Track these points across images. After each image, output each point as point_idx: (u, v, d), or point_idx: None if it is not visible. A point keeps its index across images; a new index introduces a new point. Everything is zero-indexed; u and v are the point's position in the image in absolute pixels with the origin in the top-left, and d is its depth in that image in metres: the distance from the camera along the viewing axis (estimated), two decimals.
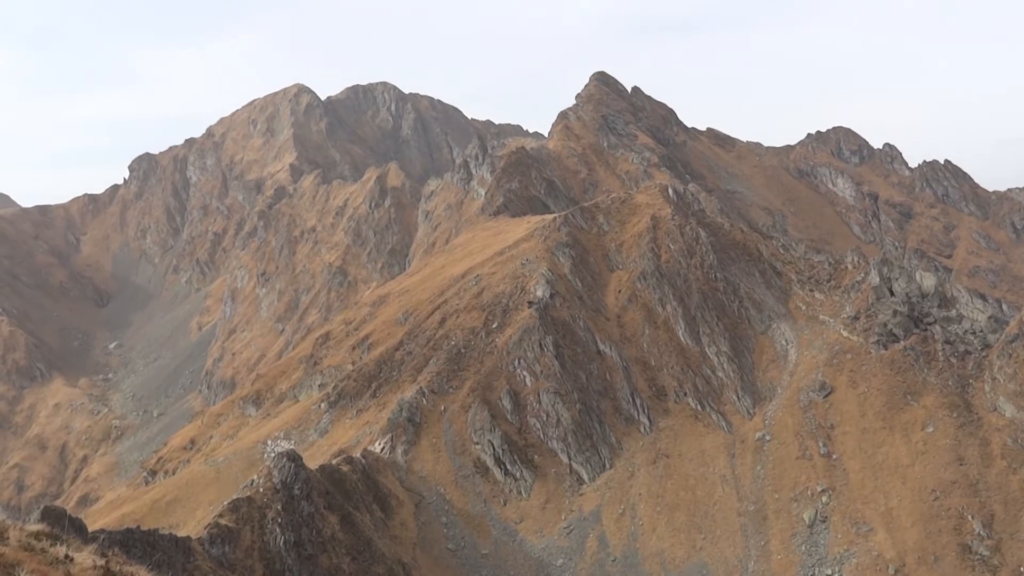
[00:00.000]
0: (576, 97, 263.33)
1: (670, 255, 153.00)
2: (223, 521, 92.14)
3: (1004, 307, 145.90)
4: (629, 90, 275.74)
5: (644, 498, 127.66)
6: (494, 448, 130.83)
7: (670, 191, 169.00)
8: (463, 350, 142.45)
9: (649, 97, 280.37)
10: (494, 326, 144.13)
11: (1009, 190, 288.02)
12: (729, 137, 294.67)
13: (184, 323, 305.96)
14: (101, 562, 32.55)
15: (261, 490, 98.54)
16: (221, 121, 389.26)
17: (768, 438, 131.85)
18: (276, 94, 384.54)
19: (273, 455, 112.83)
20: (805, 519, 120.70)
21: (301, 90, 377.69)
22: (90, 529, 74.27)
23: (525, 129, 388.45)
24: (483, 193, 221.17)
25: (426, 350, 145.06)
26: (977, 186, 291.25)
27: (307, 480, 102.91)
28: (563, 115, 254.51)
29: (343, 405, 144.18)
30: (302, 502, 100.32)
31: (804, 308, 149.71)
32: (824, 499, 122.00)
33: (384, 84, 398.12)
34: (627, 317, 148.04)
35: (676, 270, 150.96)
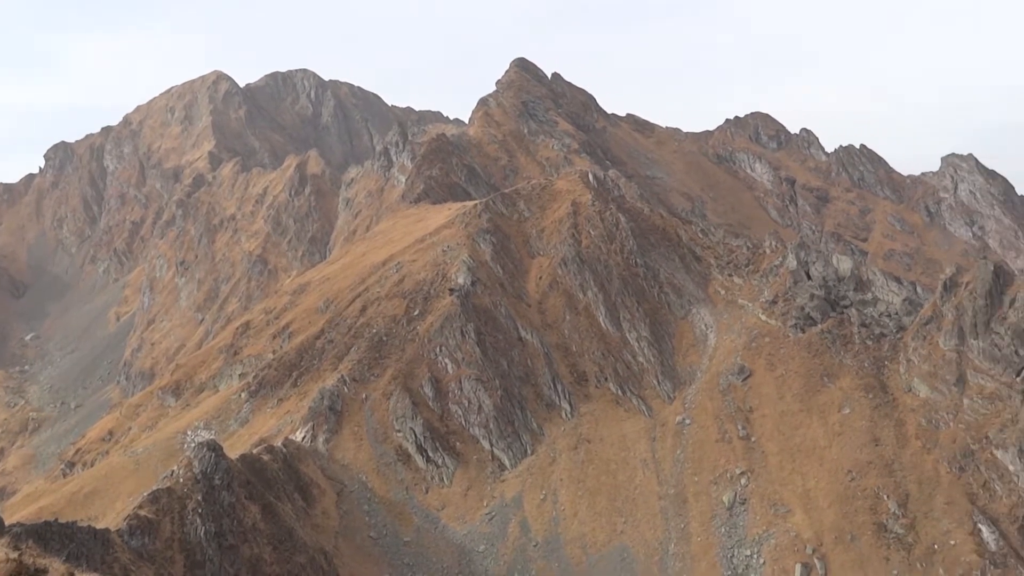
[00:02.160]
0: (496, 84, 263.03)
1: (591, 241, 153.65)
2: (142, 512, 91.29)
3: (918, 290, 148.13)
4: (549, 76, 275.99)
5: (566, 483, 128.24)
6: (416, 435, 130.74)
7: (590, 177, 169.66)
8: (384, 338, 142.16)
9: (569, 83, 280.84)
10: (415, 313, 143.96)
11: (923, 174, 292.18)
12: (648, 123, 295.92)
13: (102, 313, 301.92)
14: (14, 555, 32.27)
15: (181, 480, 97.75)
16: (138, 109, 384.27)
17: (688, 422, 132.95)
18: (194, 82, 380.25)
19: (193, 445, 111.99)
20: (724, 501, 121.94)
21: (219, 77, 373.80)
22: (6, 522, 73.30)
23: (446, 116, 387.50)
24: (404, 180, 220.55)
25: (347, 338, 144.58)
26: (892, 170, 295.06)
27: (228, 470, 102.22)
28: (483, 102, 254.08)
29: (264, 394, 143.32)
30: (223, 492, 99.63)
31: (723, 293, 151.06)
32: (743, 481, 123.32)
33: (304, 71, 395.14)
34: (548, 303, 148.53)
35: (597, 256, 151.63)
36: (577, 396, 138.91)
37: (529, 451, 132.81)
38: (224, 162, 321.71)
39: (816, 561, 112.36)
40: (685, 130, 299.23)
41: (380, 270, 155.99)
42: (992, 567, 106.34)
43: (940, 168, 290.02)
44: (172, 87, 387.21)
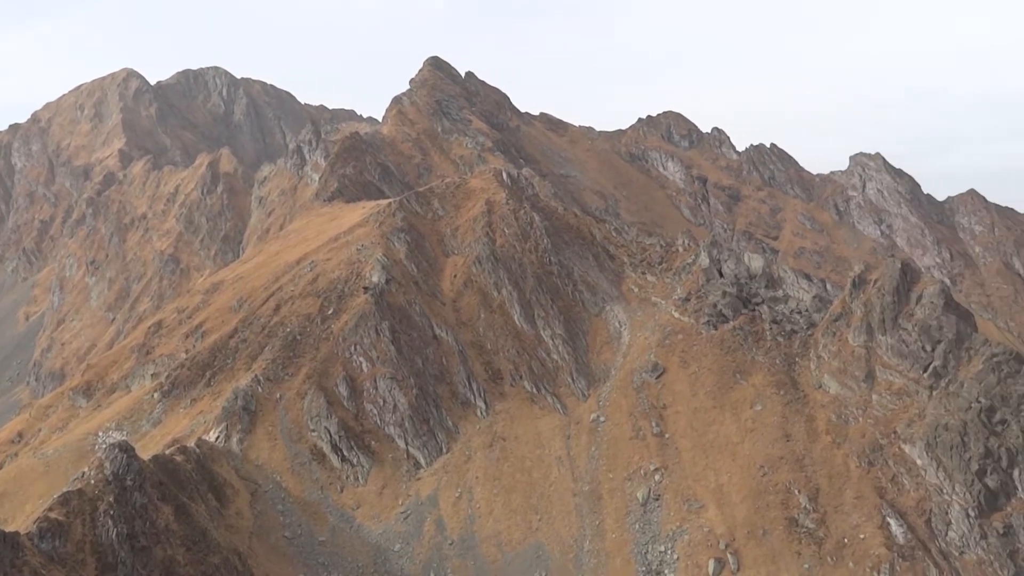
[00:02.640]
0: (410, 82, 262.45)
1: (505, 239, 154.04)
2: (53, 515, 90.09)
3: (828, 287, 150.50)
4: (463, 75, 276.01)
5: (481, 481, 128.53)
6: (331, 435, 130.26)
7: (504, 175, 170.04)
8: (298, 337, 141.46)
9: (483, 82, 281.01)
10: (330, 312, 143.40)
11: (832, 172, 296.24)
12: (562, 122, 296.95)
13: (10, 313, 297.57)
14: None
15: (92, 482, 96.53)
16: (47, 106, 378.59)
17: (602, 419, 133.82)
18: (104, 79, 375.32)
19: (104, 446, 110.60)
20: (638, 498, 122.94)
21: (130, 75, 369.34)
22: None
23: (359, 114, 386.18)
24: (317, 179, 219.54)
25: (261, 337, 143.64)
26: (802, 169, 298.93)
27: (140, 471, 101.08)
28: (397, 100, 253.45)
29: (176, 394, 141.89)
30: (135, 493, 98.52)
31: (637, 290, 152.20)
32: (657, 478, 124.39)
33: (215, 68, 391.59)
34: (463, 301, 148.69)
35: (511, 254, 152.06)
36: (492, 394, 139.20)
37: (444, 449, 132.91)
38: (135, 160, 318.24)
39: (729, 556, 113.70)
40: (598, 129, 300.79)
41: (294, 269, 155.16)
42: (900, 560, 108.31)
43: (849, 167, 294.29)
44: (82, 84, 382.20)
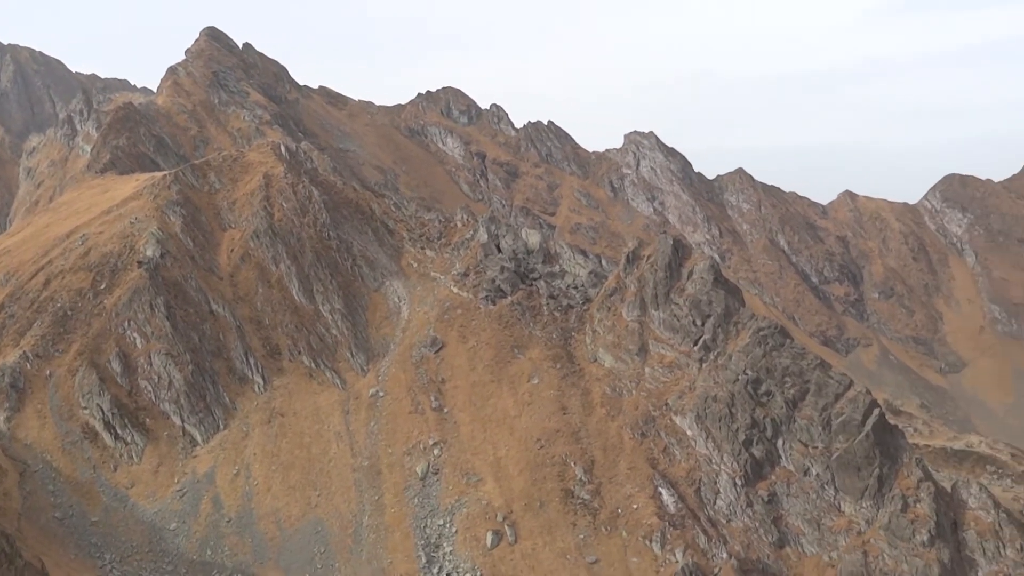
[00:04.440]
0: (186, 52, 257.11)
1: (283, 213, 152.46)
2: None
3: (603, 262, 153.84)
4: (240, 46, 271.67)
5: (259, 458, 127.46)
6: (103, 412, 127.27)
7: (282, 149, 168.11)
8: (69, 312, 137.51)
9: (261, 54, 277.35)
10: (102, 287, 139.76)
11: (607, 150, 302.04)
12: (341, 96, 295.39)
13: None
14: None
15: None
16: None
17: (382, 394, 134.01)
18: None
19: None
20: (418, 472, 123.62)
21: None
22: None
23: (133, 84, 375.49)
24: (89, 150, 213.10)
25: (30, 313, 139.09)
26: (578, 147, 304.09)
27: None
28: (172, 70, 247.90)
29: None
30: None
31: (416, 265, 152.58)
32: (436, 452, 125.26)
33: None
34: (240, 276, 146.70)
35: (289, 229, 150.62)
36: (270, 370, 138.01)
37: (221, 426, 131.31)
38: None
39: (506, 528, 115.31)
40: (378, 103, 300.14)
41: (64, 242, 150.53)
42: (671, 528, 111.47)
43: (623, 145, 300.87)
44: None
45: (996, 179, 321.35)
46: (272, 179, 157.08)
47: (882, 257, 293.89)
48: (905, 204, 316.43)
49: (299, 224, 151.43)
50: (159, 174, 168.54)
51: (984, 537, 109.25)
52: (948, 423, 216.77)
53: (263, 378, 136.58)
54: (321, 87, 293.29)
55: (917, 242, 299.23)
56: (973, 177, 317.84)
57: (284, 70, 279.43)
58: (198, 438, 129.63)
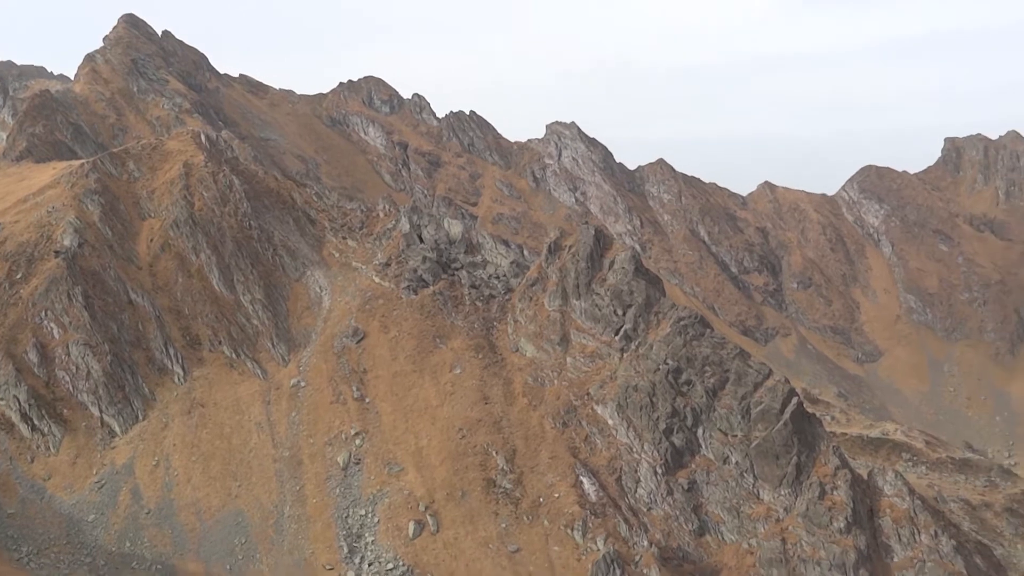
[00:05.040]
0: (104, 39, 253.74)
1: (203, 203, 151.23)
2: None
3: (525, 252, 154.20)
4: (160, 34, 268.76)
5: (179, 448, 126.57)
6: (20, 403, 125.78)
7: (202, 137, 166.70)
8: None
9: (181, 41, 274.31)
10: (18, 277, 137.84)
11: (529, 140, 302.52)
12: (262, 84, 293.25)
13: None
14: None
15: None
16: None
17: (303, 384, 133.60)
18: None
19: None
20: (339, 462, 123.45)
21: None
22: None
23: (50, 71, 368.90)
24: (5, 137, 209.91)
25: None
26: (500, 136, 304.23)
27: None
28: (90, 58, 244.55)
29: None
30: None
31: (337, 255, 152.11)
32: (357, 442, 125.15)
33: None
34: (160, 266, 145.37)
35: (210, 218, 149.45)
36: (190, 360, 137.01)
37: (141, 417, 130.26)
38: None
39: (429, 518, 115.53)
40: (299, 92, 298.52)
41: None
42: (592, 517, 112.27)
43: (545, 135, 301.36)
44: None
45: (912, 171, 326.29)
46: (192, 168, 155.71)
47: (800, 248, 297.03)
48: (823, 195, 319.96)
49: (220, 213, 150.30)
50: (77, 162, 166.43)
51: (899, 524, 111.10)
52: (865, 411, 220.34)
53: (183, 368, 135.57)
54: (242, 75, 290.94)
55: (835, 233, 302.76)
56: (889, 169, 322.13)
57: (204, 58, 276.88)
58: (117, 429, 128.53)
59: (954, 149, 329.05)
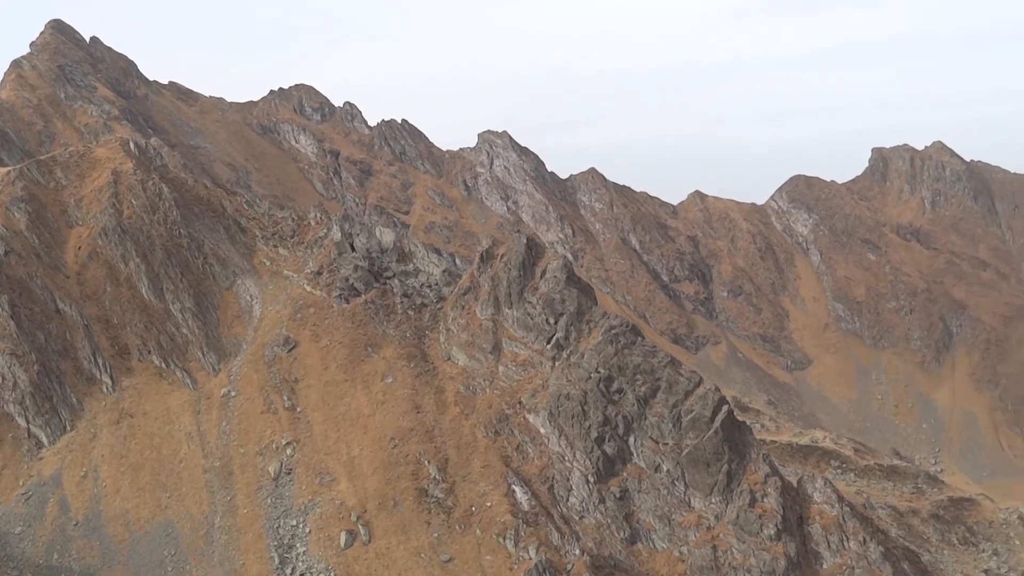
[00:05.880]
0: (31, 45, 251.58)
1: (132, 211, 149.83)
2: None
3: (457, 261, 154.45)
4: (88, 40, 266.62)
5: (107, 459, 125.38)
6: None
7: (131, 145, 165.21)
8: None
9: (109, 48, 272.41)
10: None
11: (461, 149, 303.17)
12: (192, 91, 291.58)
13: None
14: None
15: None
16: None
17: (233, 394, 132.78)
18: None
19: None
20: (271, 472, 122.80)
21: None
22: None
23: None
24: None
25: None
26: (432, 145, 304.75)
27: None
28: (16, 64, 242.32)
29: None
30: None
31: (268, 264, 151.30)
32: (289, 451, 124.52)
33: None
34: (88, 274, 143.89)
35: (139, 226, 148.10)
36: (119, 370, 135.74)
37: (69, 427, 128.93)
38: None
39: (360, 528, 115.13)
40: (229, 100, 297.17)
41: None
42: (525, 525, 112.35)
43: (477, 144, 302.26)
44: None
45: (840, 180, 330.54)
46: (121, 176, 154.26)
47: (730, 256, 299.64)
48: (753, 204, 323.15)
49: (149, 222, 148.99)
50: (3, 170, 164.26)
51: (828, 530, 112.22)
52: (794, 419, 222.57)
53: (112, 378, 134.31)
54: (171, 82, 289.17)
55: (764, 242, 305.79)
56: (818, 178, 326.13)
57: (133, 65, 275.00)
58: (44, 440, 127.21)
59: (881, 159, 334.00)
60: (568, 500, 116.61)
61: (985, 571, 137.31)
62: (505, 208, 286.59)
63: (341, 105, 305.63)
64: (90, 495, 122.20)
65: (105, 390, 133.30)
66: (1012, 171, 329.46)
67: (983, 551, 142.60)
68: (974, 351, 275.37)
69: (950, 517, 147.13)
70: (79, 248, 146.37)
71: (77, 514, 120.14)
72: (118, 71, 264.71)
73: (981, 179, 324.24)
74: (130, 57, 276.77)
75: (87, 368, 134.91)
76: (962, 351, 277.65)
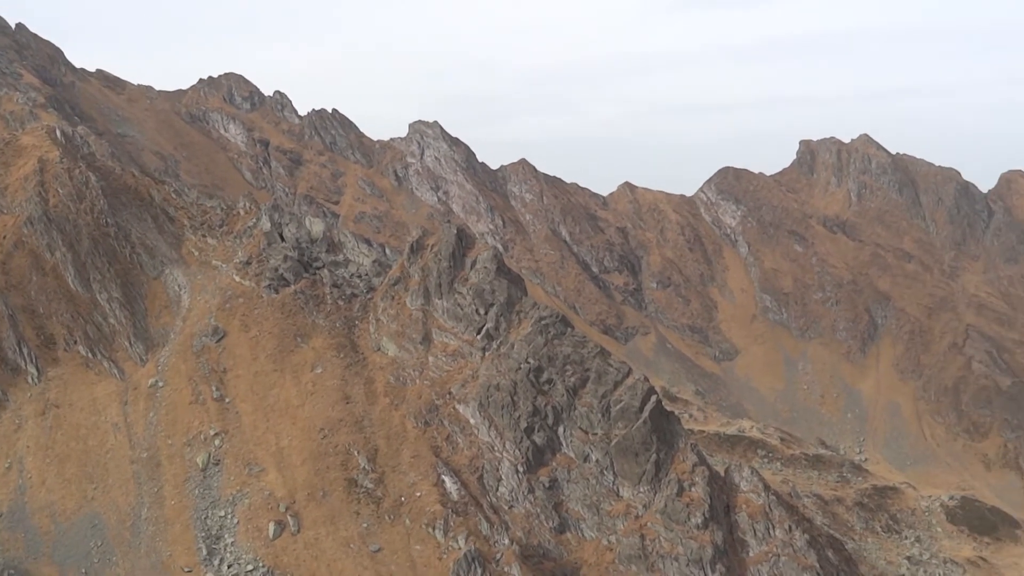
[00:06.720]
0: None
1: (59, 200, 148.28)
2: None
3: (387, 251, 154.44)
4: (13, 27, 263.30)
5: (32, 450, 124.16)
6: None
7: (58, 133, 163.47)
8: None
9: (35, 35, 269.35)
10: None
11: (392, 139, 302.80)
12: (120, 80, 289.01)
13: None
14: None
15: None
16: None
17: (161, 384, 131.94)
18: None
19: None
20: (199, 463, 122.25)
21: None
22: None
23: None
24: None
25: None
26: (363, 135, 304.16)
27: None
28: None
29: None
30: None
31: (197, 253, 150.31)
32: (217, 442, 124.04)
33: None
34: (13, 264, 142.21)
35: (65, 215, 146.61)
36: (45, 360, 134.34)
37: None
38: None
39: (289, 518, 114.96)
40: (158, 88, 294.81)
41: None
42: (454, 515, 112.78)
43: (408, 134, 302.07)
44: None
45: (768, 172, 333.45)
46: (47, 164, 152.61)
47: (660, 247, 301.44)
48: (682, 196, 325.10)
49: (75, 211, 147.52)
50: None
51: (755, 519, 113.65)
52: (722, 409, 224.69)
53: (37, 368, 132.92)
54: (99, 70, 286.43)
55: (693, 233, 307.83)
56: (746, 171, 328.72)
57: (60, 52, 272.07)
58: None
59: (808, 152, 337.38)
60: (498, 490, 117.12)
61: (908, 558, 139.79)
62: (435, 198, 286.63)
63: (271, 94, 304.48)
64: (14, 486, 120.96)
65: (30, 380, 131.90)
66: (937, 164, 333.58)
67: (906, 538, 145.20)
68: (898, 342, 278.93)
69: (874, 505, 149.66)
70: (3, 237, 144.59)
71: (1, 506, 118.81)
72: (44, 58, 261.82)
73: (906, 172, 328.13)
74: (56, 44, 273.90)
75: (12, 358, 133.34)
76: (887, 342, 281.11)
